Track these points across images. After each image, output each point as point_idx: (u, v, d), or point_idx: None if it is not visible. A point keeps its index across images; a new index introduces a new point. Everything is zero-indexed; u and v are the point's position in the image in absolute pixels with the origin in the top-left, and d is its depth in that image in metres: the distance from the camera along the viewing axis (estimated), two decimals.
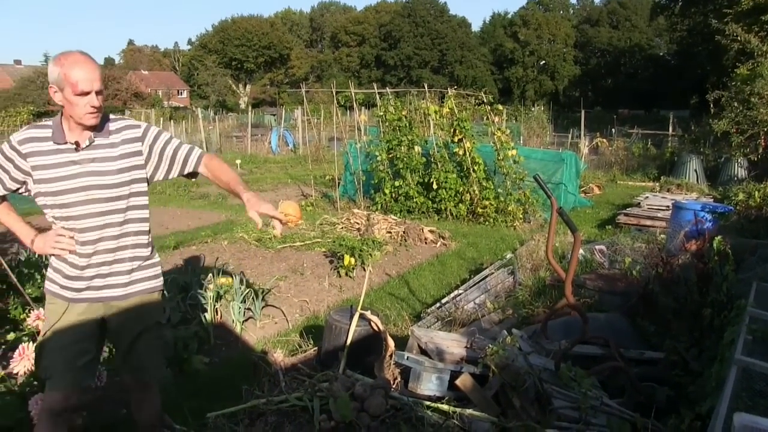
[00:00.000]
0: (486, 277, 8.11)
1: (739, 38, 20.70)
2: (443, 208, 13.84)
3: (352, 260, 9.01)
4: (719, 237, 5.82)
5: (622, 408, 4.64)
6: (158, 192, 18.20)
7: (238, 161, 24.81)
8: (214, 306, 7.24)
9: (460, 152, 13.70)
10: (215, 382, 5.77)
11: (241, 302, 7.31)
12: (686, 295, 5.83)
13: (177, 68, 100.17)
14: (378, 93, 15.94)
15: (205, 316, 7.09)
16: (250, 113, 37.77)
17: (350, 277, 9.04)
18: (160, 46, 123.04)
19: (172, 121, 36.09)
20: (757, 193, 10.99)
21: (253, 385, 4.33)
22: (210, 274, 7.96)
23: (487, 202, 13.47)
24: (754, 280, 5.64)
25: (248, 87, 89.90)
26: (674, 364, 5.26)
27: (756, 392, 3.73)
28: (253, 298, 7.50)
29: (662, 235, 10.21)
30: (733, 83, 20.80)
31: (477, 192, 13.59)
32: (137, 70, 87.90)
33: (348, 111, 28.98)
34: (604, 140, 27.67)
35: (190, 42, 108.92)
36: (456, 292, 7.88)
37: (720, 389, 3.74)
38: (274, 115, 47.81)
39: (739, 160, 20.19)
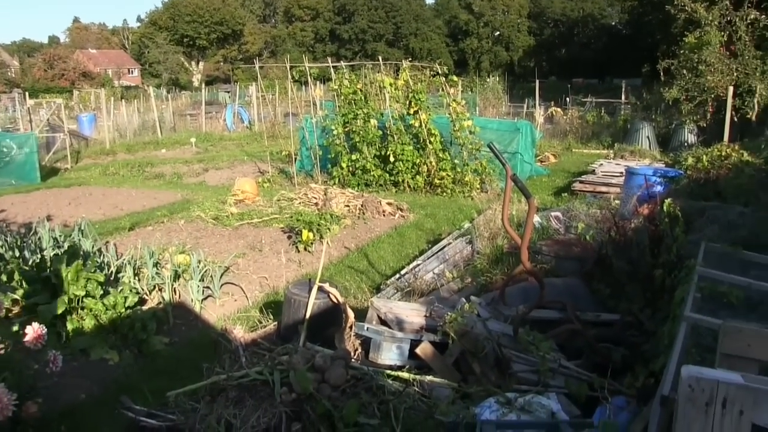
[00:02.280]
0: (444, 247, 8.17)
1: (686, 8, 21.01)
2: (401, 180, 13.88)
3: (311, 235, 8.99)
4: (669, 200, 5.95)
5: (579, 369, 4.74)
6: (111, 173, 17.92)
7: (193, 139, 24.49)
8: (172, 285, 7.19)
9: (416, 124, 13.73)
10: (176, 361, 5.76)
11: (200, 281, 7.28)
12: (639, 257, 5.95)
13: (127, 46, 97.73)
14: (333, 67, 15.83)
15: (163, 296, 7.04)
16: (203, 91, 37.23)
17: (309, 251, 9.02)
18: (108, 24, 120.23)
19: (123, 100, 35.31)
20: (705, 157, 11.21)
21: (214, 363, 4.31)
22: (167, 254, 7.89)
23: (444, 173, 13.55)
24: (703, 240, 5.78)
25: (201, 64, 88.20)
26: (629, 325, 5.39)
27: (705, 347, 3.83)
28: (211, 276, 7.45)
29: (616, 201, 10.38)
30: (681, 51, 21.19)
31: (434, 163, 13.65)
32: (84, 49, 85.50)
33: (303, 86, 28.61)
34: (559, 109, 27.93)
35: (139, 19, 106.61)
36: (415, 263, 7.93)
37: (672, 346, 3.84)
38: (228, 92, 47.08)
39: (689, 127, 20.60)
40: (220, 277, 7.54)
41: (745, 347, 2.54)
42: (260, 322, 6.51)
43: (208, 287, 7.38)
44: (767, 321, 3.92)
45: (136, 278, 7.18)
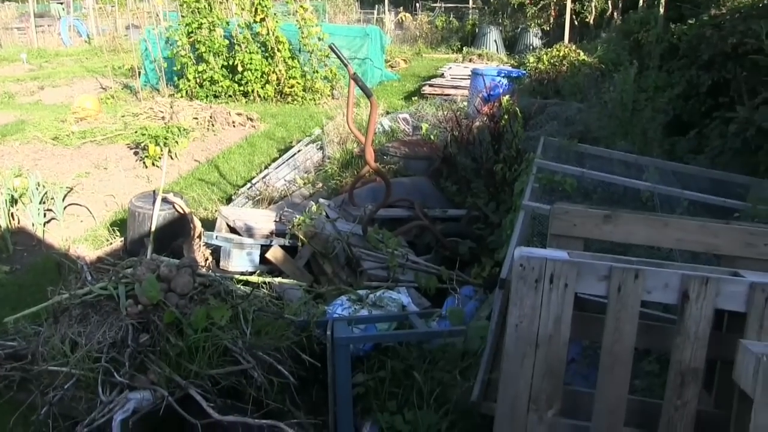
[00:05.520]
0: (295, 154, 8.12)
1: None
2: (250, 90, 13.54)
3: (158, 149, 8.65)
4: (507, 97, 6.13)
5: (428, 263, 4.89)
6: None
7: (24, 55, 22.58)
8: (9, 211, 6.74)
9: (264, 32, 13.32)
10: (19, 289, 5.44)
11: (41, 203, 6.85)
12: (482, 154, 6.15)
13: None
14: None
15: None
16: (32, 1, 34.26)
17: (157, 166, 8.67)
18: None
19: None
20: (545, 57, 11.61)
21: (59, 285, 4.11)
22: (1, 178, 7.38)
23: (294, 81, 13.35)
24: (542, 135, 6.03)
25: None
26: (476, 219, 5.61)
27: (544, 235, 4.03)
28: (53, 198, 7.04)
29: (464, 102, 10.61)
30: None
31: (283, 72, 13.38)
32: None
33: None
34: (409, 15, 27.96)
35: None
36: (265, 172, 7.85)
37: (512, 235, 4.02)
38: (61, 3, 43.61)
39: (533, 30, 21.28)
40: (63, 198, 7.13)
41: (571, 227, 2.67)
42: (107, 241, 6.28)
43: (50, 210, 6.96)
44: (597, 205, 4.18)
45: None
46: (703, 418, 2.28)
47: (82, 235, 6.74)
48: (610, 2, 20.26)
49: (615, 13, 19.38)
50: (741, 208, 3.97)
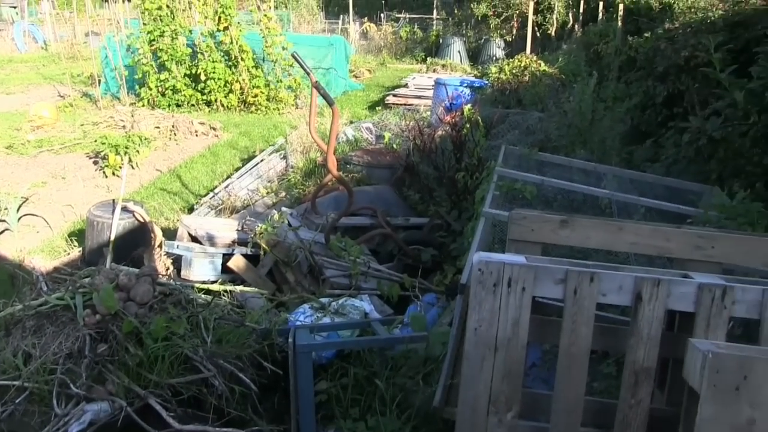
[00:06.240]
0: (258, 163, 8.09)
1: None
2: (213, 99, 13.49)
3: (118, 158, 8.56)
4: (469, 106, 6.19)
5: (391, 271, 4.92)
6: None
7: None
8: None
9: (227, 41, 13.31)
10: None
11: None
12: (444, 163, 6.20)
13: None
14: None
15: None
16: None
17: (117, 176, 8.58)
18: None
19: None
20: (507, 67, 11.75)
21: (12, 297, 4.02)
22: None
23: (257, 91, 13.34)
24: (503, 144, 6.11)
25: None
26: (438, 227, 5.65)
27: (505, 242, 4.07)
28: (6, 208, 6.90)
29: (427, 112, 10.68)
30: None
31: (247, 81, 13.35)
32: None
33: (106, 3, 26.70)
34: (373, 25, 28.11)
35: None
36: (228, 181, 7.82)
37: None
38: (14, 7, 42.66)
39: (496, 41, 21.55)
40: (18, 209, 7.00)
41: (529, 232, 2.71)
42: (65, 251, 6.17)
43: (3, 221, 6.83)
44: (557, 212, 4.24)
45: None
46: (656, 415, 2.33)
47: (38, 245, 6.62)
48: (571, 15, 20.61)
49: (576, 26, 19.71)
50: (694, 214, 4.06)
